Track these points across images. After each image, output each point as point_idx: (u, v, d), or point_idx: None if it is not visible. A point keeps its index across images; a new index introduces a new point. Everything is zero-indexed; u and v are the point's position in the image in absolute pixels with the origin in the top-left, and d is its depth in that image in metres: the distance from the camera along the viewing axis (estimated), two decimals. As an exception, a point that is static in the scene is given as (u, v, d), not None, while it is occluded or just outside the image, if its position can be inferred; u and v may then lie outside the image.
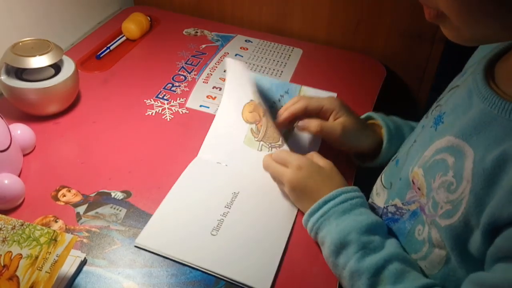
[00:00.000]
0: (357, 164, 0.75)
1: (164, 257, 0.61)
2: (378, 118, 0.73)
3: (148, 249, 0.61)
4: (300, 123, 0.70)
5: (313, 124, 0.68)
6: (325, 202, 0.60)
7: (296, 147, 0.72)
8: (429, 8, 0.47)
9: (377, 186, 0.67)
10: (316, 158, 0.66)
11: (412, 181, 0.56)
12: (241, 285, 0.58)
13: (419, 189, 0.54)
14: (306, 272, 0.61)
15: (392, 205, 0.60)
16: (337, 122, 0.68)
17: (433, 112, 0.60)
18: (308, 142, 0.72)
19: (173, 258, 0.61)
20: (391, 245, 0.55)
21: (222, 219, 0.65)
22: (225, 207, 0.67)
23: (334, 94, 0.80)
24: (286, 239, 0.64)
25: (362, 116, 0.76)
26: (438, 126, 0.55)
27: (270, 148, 0.73)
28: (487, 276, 0.45)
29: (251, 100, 0.75)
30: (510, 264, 0.42)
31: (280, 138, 0.71)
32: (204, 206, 0.67)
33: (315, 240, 0.61)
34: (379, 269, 0.53)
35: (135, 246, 0.62)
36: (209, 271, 0.59)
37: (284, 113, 0.70)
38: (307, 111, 0.70)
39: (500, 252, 0.44)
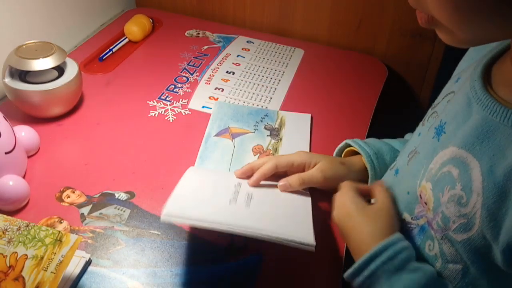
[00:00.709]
0: None
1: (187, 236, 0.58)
2: (355, 146, 0.70)
3: (178, 220, 0.57)
4: (281, 184, 0.66)
5: (294, 180, 0.65)
6: (371, 259, 0.52)
7: (287, 202, 0.66)
8: (420, 13, 0.46)
9: None
10: (377, 191, 0.60)
11: (420, 195, 0.54)
12: (286, 242, 0.55)
13: (425, 203, 0.53)
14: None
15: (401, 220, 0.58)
16: (315, 169, 0.66)
17: (429, 120, 0.58)
18: (297, 197, 0.67)
19: (210, 226, 0.54)
20: None
21: (248, 193, 0.63)
22: (237, 185, 0.65)
23: (308, 115, 0.84)
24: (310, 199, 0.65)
25: (339, 146, 0.73)
26: (440, 137, 0.53)
27: None
28: None
29: (258, 144, 0.79)
30: None
31: None
32: (224, 183, 0.65)
33: None
34: None
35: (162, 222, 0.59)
36: (253, 233, 0.54)
37: (255, 175, 0.66)
38: (278, 169, 0.67)
39: None
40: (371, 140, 0.73)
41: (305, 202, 0.65)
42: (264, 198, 0.64)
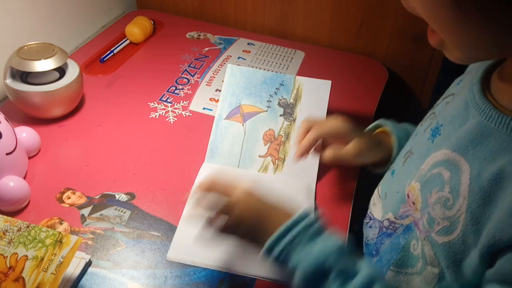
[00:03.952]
0: (371, 171, 0.73)
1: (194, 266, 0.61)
2: (389, 128, 0.71)
3: (180, 261, 0.62)
4: (313, 152, 0.71)
5: (326, 154, 0.68)
6: (292, 227, 0.53)
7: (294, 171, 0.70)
8: (432, 35, 0.47)
9: (374, 196, 0.67)
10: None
11: (408, 194, 0.55)
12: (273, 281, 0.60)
13: (413, 203, 0.53)
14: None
15: (386, 219, 0.59)
16: (351, 147, 0.67)
17: (427, 120, 0.59)
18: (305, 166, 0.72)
19: (210, 267, 0.61)
20: (366, 267, 0.52)
21: None
22: None
23: (329, 82, 0.80)
24: None
25: (373, 124, 0.75)
26: (435, 138, 0.54)
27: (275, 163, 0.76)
28: None
29: (270, 129, 0.78)
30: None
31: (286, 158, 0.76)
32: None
33: (280, 268, 0.55)
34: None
35: (167, 260, 0.62)
36: (248, 274, 0.60)
37: (298, 151, 0.70)
38: (319, 138, 0.69)
39: (498, 274, 0.43)
40: (406, 125, 0.72)
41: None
42: None
